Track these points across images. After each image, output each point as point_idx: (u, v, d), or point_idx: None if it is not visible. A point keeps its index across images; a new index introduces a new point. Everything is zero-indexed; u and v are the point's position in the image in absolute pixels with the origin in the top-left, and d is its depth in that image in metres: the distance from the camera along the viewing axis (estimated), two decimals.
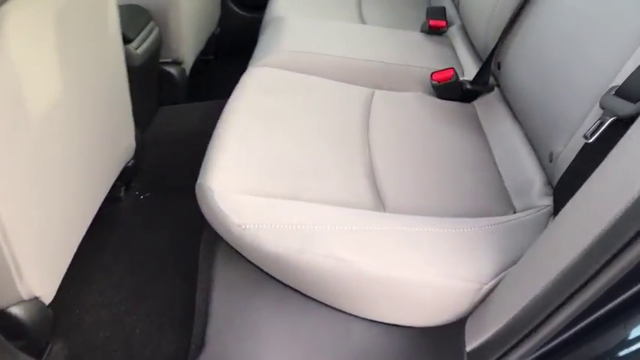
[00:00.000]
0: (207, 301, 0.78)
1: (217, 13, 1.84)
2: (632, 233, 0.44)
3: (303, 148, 0.87)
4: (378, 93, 1.07)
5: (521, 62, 0.97)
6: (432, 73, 1.08)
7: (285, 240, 0.66)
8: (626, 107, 0.60)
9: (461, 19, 1.32)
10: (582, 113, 0.72)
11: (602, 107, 0.65)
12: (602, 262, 0.46)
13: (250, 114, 0.92)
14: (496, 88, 1.09)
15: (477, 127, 1.03)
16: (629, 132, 0.53)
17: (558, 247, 0.53)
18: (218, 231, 0.73)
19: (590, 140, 0.63)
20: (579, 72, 0.77)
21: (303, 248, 0.65)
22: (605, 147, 0.63)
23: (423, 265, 0.64)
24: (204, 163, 0.82)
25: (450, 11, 1.42)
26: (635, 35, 0.68)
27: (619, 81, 0.66)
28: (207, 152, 0.84)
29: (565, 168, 0.72)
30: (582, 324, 0.49)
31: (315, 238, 0.65)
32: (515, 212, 0.83)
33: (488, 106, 1.08)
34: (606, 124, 0.62)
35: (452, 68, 1.07)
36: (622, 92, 0.62)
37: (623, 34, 0.70)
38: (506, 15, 1.03)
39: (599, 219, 0.47)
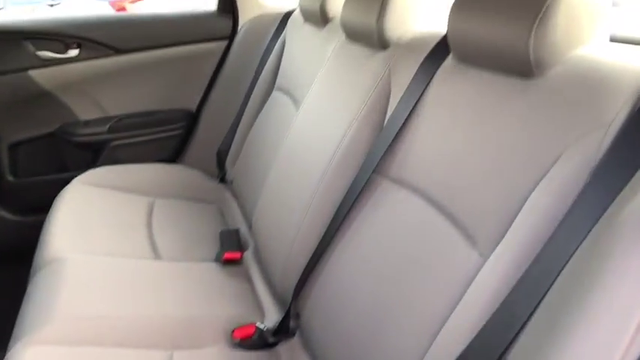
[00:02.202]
0: None
1: None
2: None
3: None
4: (177, 356, 0.98)
5: (322, 317, 0.98)
6: (234, 330, 1.04)
7: None
8: None
9: (255, 244, 1.33)
10: None
11: None
12: None
13: None
14: (299, 334, 1.09)
15: None
16: None
17: None
18: None
19: None
20: (389, 338, 0.78)
21: None
22: None
23: None
24: None
25: (245, 233, 1.44)
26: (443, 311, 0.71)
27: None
28: None
29: None
30: None
31: None
32: None
33: (292, 352, 1.07)
34: None
35: (253, 325, 1.04)
36: None
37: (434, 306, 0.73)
38: (303, 262, 1.05)
39: None
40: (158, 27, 1.80)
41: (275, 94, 1.58)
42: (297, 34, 1.53)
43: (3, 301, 1.01)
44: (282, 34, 1.64)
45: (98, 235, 1.32)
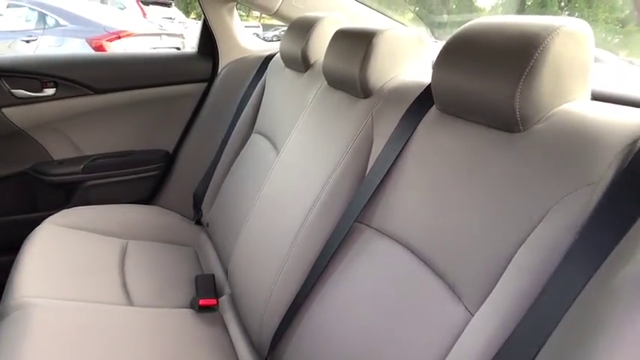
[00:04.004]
0: None
1: None
2: None
3: None
4: None
5: None
6: None
7: None
8: None
9: (232, 290, 1.30)
10: None
11: None
12: None
13: None
14: None
15: None
16: None
17: None
18: None
19: None
20: None
21: None
22: None
23: None
24: None
25: (221, 278, 1.40)
26: None
27: None
28: None
29: None
30: None
31: None
32: None
33: None
34: None
35: None
36: None
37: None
38: (281, 310, 1.03)
39: None
40: (137, 68, 1.78)
41: (254, 137, 1.57)
42: (278, 78, 1.54)
43: None
44: (263, 78, 1.65)
45: (68, 279, 1.27)
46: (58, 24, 4.88)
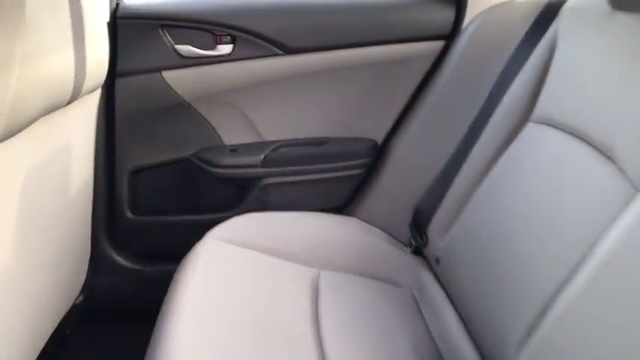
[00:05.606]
0: None
1: (82, 275, 1.24)
2: None
3: None
4: None
5: None
6: None
7: None
8: None
9: None
10: None
11: None
12: None
13: None
14: None
15: None
16: None
17: None
18: None
19: None
20: None
21: None
22: None
23: None
24: None
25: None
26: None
27: None
28: None
29: None
30: None
31: None
32: None
33: None
34: None
35: None
36: None
37: None
38: None
39: None
40: (343, 20, 1.28)
41: (537, 129, 0.94)
42: (596, 31, 0.89)
43: None
44: (550, 34, 1.01)
45: (239, 342, 0.83)
46: None
